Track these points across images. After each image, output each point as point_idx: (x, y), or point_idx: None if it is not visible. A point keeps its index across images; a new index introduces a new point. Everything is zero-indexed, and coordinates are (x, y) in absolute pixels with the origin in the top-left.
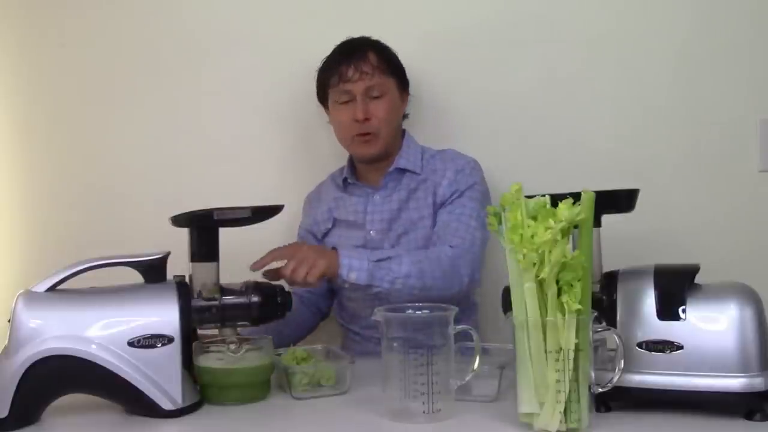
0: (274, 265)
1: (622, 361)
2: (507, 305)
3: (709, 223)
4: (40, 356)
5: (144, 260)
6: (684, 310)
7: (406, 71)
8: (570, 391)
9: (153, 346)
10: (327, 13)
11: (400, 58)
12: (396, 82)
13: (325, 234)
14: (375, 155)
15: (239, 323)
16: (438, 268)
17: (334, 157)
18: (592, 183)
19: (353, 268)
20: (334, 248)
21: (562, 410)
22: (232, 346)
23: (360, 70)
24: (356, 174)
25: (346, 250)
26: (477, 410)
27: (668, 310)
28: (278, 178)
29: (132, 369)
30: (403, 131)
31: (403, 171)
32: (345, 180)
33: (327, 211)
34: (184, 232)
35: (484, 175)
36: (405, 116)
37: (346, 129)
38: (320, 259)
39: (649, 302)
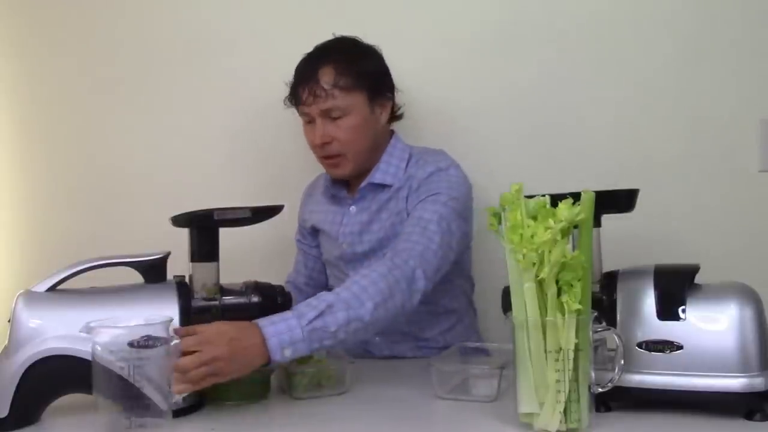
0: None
1: (622, 361)
2: (507, 305)
3: (709, 223)
4: (40, 356)
5: (144, 260)
6: (684, 310)
7: (407, 72)
8: (570, 391)
9: (153, 346)
10: (327, 14)
11: (399, 57)
12: (364, 94)
13: (311, 233)
14: (347, 176)
15: None
16: (378, 294)
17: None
18: (592, 183)
19: (284, 342)
20: (252, 323)
21: (562, 410)
22: None
23: (313, 93)
24: (342, 181)
25: (268, 324)
26: (477, 410)
27: (668, 310)
28: (278, 178)
29: (132, 369)
30: (392, 132)
31: (378, 185)
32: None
33: (309, 213)
34: (184, 232)
35: (483, 176)
36: (398, 117)
37: (313, 150)
38: (232, 366)
39: (649, 302)
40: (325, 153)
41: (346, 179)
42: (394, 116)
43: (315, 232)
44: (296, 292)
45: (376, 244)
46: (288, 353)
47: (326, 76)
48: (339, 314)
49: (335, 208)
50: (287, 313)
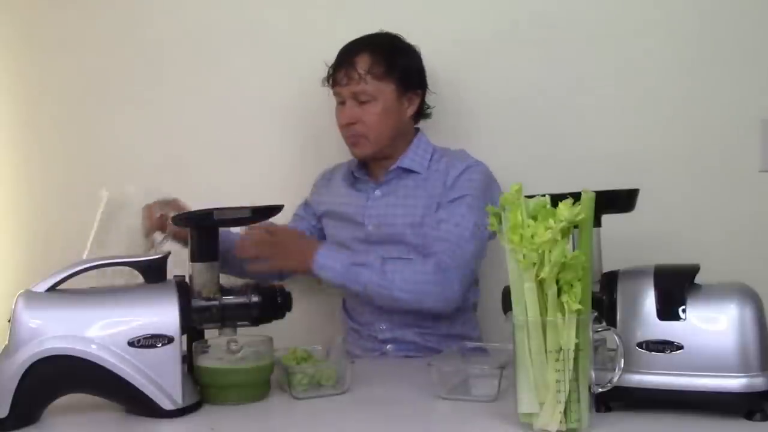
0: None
1: (622, 361)
2: (507, 305)
3: (709, 223)
4: (40, 356)
5: (144, 260)
6: (684, 310)
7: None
8: (570, 391)
9: (153, 346)
10: (337, 13)
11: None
12: (394, 85)
13: (321, 216)
14: (366, 157)
15: (239, 323)
16: (413, 283)
17: (337, 155)
18: (592, 183)
19: (326, 266)
20: (317, 242)
21: (562, 410)
22: (233, 346)
23: (348, 75)
24: (366, 167)
25: (326, 248)
26: (477, 410)
27: (668, 310)
28: (281, 178)
29: (132, 369)
30: (417, 130)
31: (406, 171)
32: (353, 173)
33: (327, 196)
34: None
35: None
36: (425, 116)
37: (340, 130)
38: (289, 260)
39: (649, 302)
40: (350, 132)
41: (365, 160)
42: (423, 114)
43: (329, 216)
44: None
45: (402, 228)
46: (323, 274)
47: (362, 62)
48: (374, 276)
49: (357, 193)
50: (345, 250)
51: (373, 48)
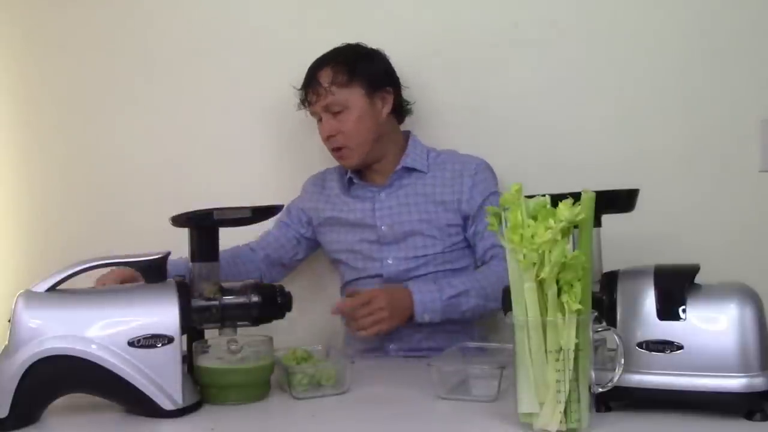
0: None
1: (622, 361)
2: (507, 305)
3: (709, 223)
4: (40, 356)
5: (144, 260)
6: (684, 310)
7: (406, 71)
8: (570, 391)
9: (153, 346)
10: (326, 15)
11: (400, 58)
12: (362, 89)
13: (320, 224)
14: (354, 166)
15: (239, 323)
16: (499, 288)
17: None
18: (592, 183)
19: (427, 310)
20: (405, 288)
21: (562, 410)
22: (232, 346)
23: (316, 93)
24: (361, 173)
25: (416, 292)
26: (477, 410)
27: (668, 310)
28: (277, 178)
29: (132, 369)
30: (408, 133)
31: (409, 170)
32: (350, 180)
33: (325, 203)
34: (184, 232)
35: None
36: (406, 112)
37: (325, 145)
38: (393, 319)
39: (649, 302)
40: (332, 145)
41: (356, 169)
42: (404, 110)
43: (330, 223)
44: (249, 253)
45: (419, 225)
46: (426, 317)
47: (325, 76)
48: (471, 299)
49: (358, 198)
50: (432, 284)
51: (334, 60)
